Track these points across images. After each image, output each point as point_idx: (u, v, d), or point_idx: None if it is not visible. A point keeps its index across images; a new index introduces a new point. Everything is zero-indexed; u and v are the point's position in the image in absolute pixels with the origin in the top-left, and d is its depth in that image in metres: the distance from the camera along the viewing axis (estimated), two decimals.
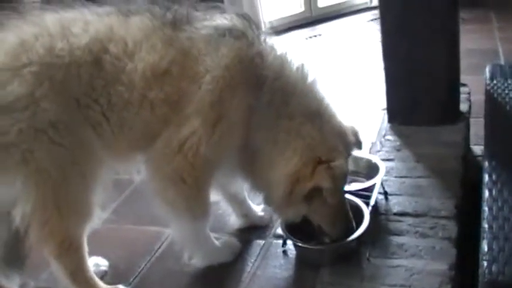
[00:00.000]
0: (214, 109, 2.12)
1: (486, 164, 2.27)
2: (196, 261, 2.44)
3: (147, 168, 2.29)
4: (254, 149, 2.21)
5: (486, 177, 2.17)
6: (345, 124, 2.32)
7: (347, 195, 2.41)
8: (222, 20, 2.22)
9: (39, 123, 2.01)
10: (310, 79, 2.24)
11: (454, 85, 3.26)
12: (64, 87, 2.05)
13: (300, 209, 2.24)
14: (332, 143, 2.18)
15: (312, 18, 6.53)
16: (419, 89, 3.19)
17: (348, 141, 2.29)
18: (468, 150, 3.20)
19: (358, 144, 2.40)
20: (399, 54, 3.17)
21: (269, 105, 2.15)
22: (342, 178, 2.20)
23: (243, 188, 2.63)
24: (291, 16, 6.51)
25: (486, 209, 1.99)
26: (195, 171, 2.19)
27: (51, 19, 2.13)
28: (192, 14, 2.23)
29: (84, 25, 2.12)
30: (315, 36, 6.12)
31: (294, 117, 2.16)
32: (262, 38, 2.22)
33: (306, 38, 6.08)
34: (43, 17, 2.15)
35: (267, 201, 2.35)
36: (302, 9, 6.55)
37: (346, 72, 4.83)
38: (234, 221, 2.72)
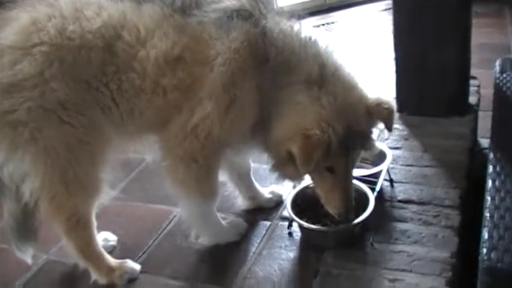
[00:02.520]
0: (226, 92, 2.15)
1: (491, 155, 2.30)
2: (203, 239, 2.52)
3: (160, 149, 2.33)
4: (263, 122, 2.22)
5: (490, 168, 2.21)
6: (369, 96, 2.23)
7: (353, 181, 2.45)
8: (230, 1, 2.22)
9: (48, 102, 2.06)
10: (317, 46, 2.22)
11: (463, 78, 3.29)
12: (74, 69, 2.08)
13: (287, 171, 2.24)
14: (325, 114, 2.08)
15: (325, 6, 6.49)
16: (429, 80, 3.22)
17: (357, 114, 2.16)
18: (475, 142, 3.23)
19: (385, 121, 2.25)
20: (410, 46, 3.20)
21: (273, 81, 2.15)
22: (318, 150, 2.05)
23: (251, 170, 2.69)
24: (305, 3, 6.47)
25: (488, 198, 2.03)
26: (207, 152, 2.24)
27: (66, 1, 2.16)
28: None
29: (97, 9, 2.15)
30: (328, 23, 6.11)
31: (292, 85, 2.14)
32: (270, 15, 2.21)
33: (319, 26, 6.06)
34: None
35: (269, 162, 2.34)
36: None
37: (358, 61, 4.84)
38: (240, 202, 2.77)
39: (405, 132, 3.18)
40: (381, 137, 3.16)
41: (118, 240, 2.65)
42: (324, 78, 2.16)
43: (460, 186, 2.66)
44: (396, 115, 3.32)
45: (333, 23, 6.11)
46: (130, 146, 2.45)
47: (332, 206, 2.27)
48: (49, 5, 2.13)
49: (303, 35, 2.22)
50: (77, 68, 2.09)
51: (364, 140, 2.25)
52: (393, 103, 2.29)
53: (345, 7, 6.47)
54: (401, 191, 2.69)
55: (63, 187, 2.18)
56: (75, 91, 2.09)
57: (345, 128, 2.11)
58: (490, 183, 2.12)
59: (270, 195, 2.77)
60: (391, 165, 2.82)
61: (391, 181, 2.73)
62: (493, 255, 1.77)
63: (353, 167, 2.32)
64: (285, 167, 2.23)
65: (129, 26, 2.14)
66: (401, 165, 2.89)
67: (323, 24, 6.09)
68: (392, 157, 2.85)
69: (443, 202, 2.56)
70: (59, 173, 2.15)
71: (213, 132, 2.18)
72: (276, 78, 2.16)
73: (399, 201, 2.62)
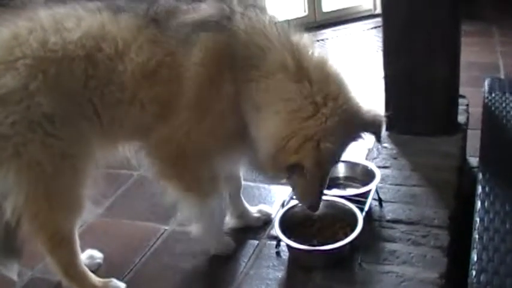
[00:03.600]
0: (200, 103, 2.16)
1: (480, 175, 2.30)
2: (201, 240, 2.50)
3: (145, 156, 2.33)
4: (246, 123, 2.19)
5: (479, 189, 2.21)
6: (363, 107, 2.20)
7: (341, 200, 2.44)
8: (200, 11, 2.22)
9: (33, 116, 2.03)
10: (291, 37, 2.16)
11: (452, 96, 3.30)
12: (58, 81, 2.06)
13: (279, 176, 2.25)
14: (326, 122, 2.05)
15: (315, 23, 6.49)
16: (418, 99, 3.23)
17: (358, 122, 2.16)
18: (464, 161, 3.24)
19: (375, 132, 2.24)
20: (399, 64, 3.20)
21: (247, 80, 2.13)
22: (329, 161, 2.12)
23: (241, 189, 2.67)
24: (295, 20, 6.47)
25: (477, 219, 2.03)
26: (194, 162, 2.24)
27: (45, 14, 2.15)
28: (175, 8, 2.24)
29: (76, 20, 2.14)
30: (318, 41, 6.13)
31: (271, 75, 2.10)
32: (239, 16, 2.17)
33: None
34: (37, 12, 2.17)
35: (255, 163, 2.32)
36: (306, 13, 6.51)
37: (348, 78, 4.85)
38: (228, 220, 2.73)
39: (394, 151, 3.18)
40: (370, 156, 3.16)
41: (104, 258, 2.61)
42: (302, 64, 2.10)
43: (449, 205, 2.66)
44: (385, 133, 3.34)
45: (323, 40, 6.13)
46: (116, 156, 2.42)
47: (305, 201, 2.30)
48: (29, 18, 2.13)
49: (275, 26, 2.16)
50: (60, 80, 2.07)
51: (348, 144, 2.24)
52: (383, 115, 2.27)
53: (335, 24, 6.49)
54: (390, 211, 2.67)
55: (46, 203, 2.14)
56: (60, 103, 2.07)
57: (342, 136, 2.13)
58: (479, 204, 2.12)
59: (258, 214, 2.74)
60: (380, 185, 2.81)
61: (379, 201, 2.72)
62: (482, 277, 1.76)
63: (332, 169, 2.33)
64: (278, 172, 2.20)
65: (109, 37, 2.14)
66: (390, 184, 2.88)
67: (317, 41, 6.10)
68: (381, 176, 2.83)
69: (432, 222, 2.55)
70: (43, 189, 2.12)
71: (196, 143, 2.19)
72: (247, 74, 2.13)
73: (388, 221, 2.61)
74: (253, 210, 2.75)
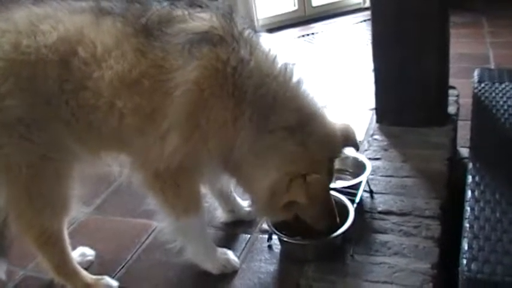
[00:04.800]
0: (190, 122, 2.03)
1: (470, 165, 2.30)
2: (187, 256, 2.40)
3: (130, 167, 2.28)
4: (237, 160, 2.14)
5: (470, 179, 2.20)
6: (337, 125, 2.24)
7: (332, 193, 2.44)
8: (200, 20, 2.06)
9: (6, 119, 1.99)
10: (293, 84, 2.11)
11: (443, 88, 3.30)
12: (31, 84, 2.01)
13: (280, 216, 2.28)
14: (313, 155, 2.11)
15: (305, 17, 6.52)
16: (408, 90, 3.23)
17: (336, 145, 2.23)
18: (455, 152, 3.24)
19: (353, 145, 2.37)
20: (389, 56, 3.20)
21: (250, 120, 2.04)
22: (319, 190, 2.15)
23: (230, 183, 2.63)
24: (284, 14, 6.50)
25: (468, 209, 2.03)
26: (172, 175, 2.16)
27: (21, 15, 2.08)
28: (169, 14, 2.09)
29: (54, 23, 2.06)
30: (308, 35, 6.13)
31: (274, 132, 2.07)
32: (244, 39, 2.05)
33: (299, 37, 6.08)
34: (12, 12, 2.10)
35: (252, 206, 2.38)
36: (295, 7, 6.53)
37: (337, 72, 4.86)
38: (220, 214, 2.74)
39: (385, 143, 3.18)
40: (361, 148, 3.15)
41: (96, 255, 2.60)
42: (303, 120, 2.11)
43: (440, 196, 2.66)
44: (376, 125, 3.35)
45: (313, 34, 6.13)
46: (98, 161, 2.35)
47: (321, 226, 2.31)
48: (3, 19, 2.07)
49: (279, 66, 2.10)
50: (34, 84, 2.01)
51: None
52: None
53: (325, 18, 6.51)
54: (381, 202, 2.67)
55: (29, 204, 2.12)
56: (34, 107, 2.02)
57: (329, 160, 2.22)
58: (469, 193, 2.12)
59: (249, 208, 2.71)
60: (371, 176, 2.81)
61: (371, 192, 2.72)
62: (473, 266, 1.75)
63: None
64: (278, 214, 2.24)
65: (86, 41, 2.04)
66: (381, 176, 2.88)
67: (303, 36, 6.11)
68: (372, 168, 2.84)
69: (423, 213, 2.56)
70: (23, 189, 2.09)
71: (186, 161, 2.11)
72: (252, 117, 2.05)
73: (379, 212, 2.61)
74: (245, 204, 2.74)
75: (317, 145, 2.12)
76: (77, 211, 2.30)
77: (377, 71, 3.28)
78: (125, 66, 2.02)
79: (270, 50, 2.12)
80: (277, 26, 6.35)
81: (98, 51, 2.04)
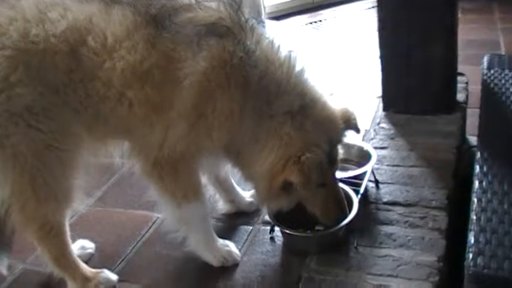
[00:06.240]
0: (196, 112, 2.06)
1: (478, 155, 2.23)
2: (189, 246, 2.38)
3: (130, 153, 2.27)
4: (238, 147, 2.17)
5: (477, 168, 2.14)
6: (337, 109, 2.24)
7: None
8: (208, 10, 2.09)
9: (14, 107, 1.97)
10: (296, 72, 2.14)
11: (450, 75, 3.22)
12: (40, 73, 1.99)
13: (281, 201, 2.22)
14: (311, 137, 2.10)
15: (314, 4, 6.46)
16: (415, 78, 3.15)
17: (337, 128, 2.21)
18: (463, 140, 3.16)
19: (353, 128, 2.32)
20: (396, 43, 3.13)
21: (253, 109, 2.09)
22: (315, 170, 2.08)
23: (231, 174, 2.60)
24: (292, 1, 6.44)
25: (475, 200, 1.97)
26: (174, 162, 2.16)
27: (29, 2, 2.05)
28: (177, 4, 2.10)
29: (62, 11, 2.04)
30: (316, 22, 6.06)
31: (275, 117, 2.10)
32: (250, 28, 2.10)
33: (307, 24, 6.02)
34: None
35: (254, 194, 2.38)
36: None
37: (345, 59, 4.79)
38: (221, 206, 2.69)
39: (391, 131, 3.11)
40: (367, 137, 3.09)
41: (96, 248, 2.56)
42: (305, 105, 2.12)
43: (447, 186, 2.59)
44: (382, 113, 3.28)
45: (320, 21, 6.06)
46: (103, 149, 2.34)
47: (330, 218, 2.26)
48: (11, 7, 2.04)
49: (283, 55, 2.14)
50: (43, 73, 1.99)
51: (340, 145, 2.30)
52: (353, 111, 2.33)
53: (332, 5, 6.42)
54: (387, 193, 2.61)
55: (33, 195, 2.09)
56: (43, 95, 2.00)
57: (329, 143, 2.16)
58: (476, 184, 2.06)
59: (251, 199, 2.68)
60: (376, 166, 2.76)
61: (376, 182, 2.66)
62: (479, 260, 1.69)
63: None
64: (279, 198, 2.19)
65: (96, 31, 2.03)
66: (387, 165, 2.82)
67: (311, 23, 6.05)
68: (378, 157, 2.79)
69: (430, 203, 2.49)
70: (28, 180, 2.06)
71: (182, 151, 2.12)
72: (255, 106, 2.09)
73: (385, 203, 2.55)
74: (246, 195, 2.69)
75: (315, 127, 2.11)
76: (79, 203, 2.26)
77: (383, 58, 3.21)
78: (136, 57, 2.03)
79: (274, 39, 2.16)
80: (284, 13, 6.30)
81: (109, 41, 2.04)
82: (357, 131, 2.36)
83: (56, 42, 2.00)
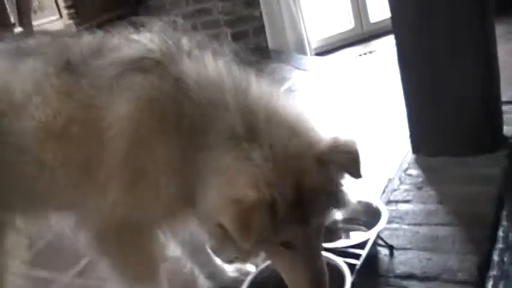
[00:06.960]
0: (130, 167, 1.68)
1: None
2: None
3: (74, 226, 1.90)
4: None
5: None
6: (325, 140, 1.62)
7: (326, 254, 1.86)
8: (136, 45, 1.76)
9: None
10: (243, 87, 1.67)
11: (492, 105, 2.63)
12: None
13: (230, 250, 1.70)
14: (262, 173, 1.54)
15: (363, 35, 6.07)
16: (447, 112, 2.59)
17: (313, 167, 1.60)
18: (509, 185, 2.54)
19: (346, 169, 1.67)
20: (418, 72, 2.60)
21: (191, 143, 1.65)
22: (257, 216, 1.50)
23: (203, 241, 2.15)
24: (341, 33, 6.08)
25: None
26: (118, 234, 1.79)
27: None
28: (100, 44, 1.79)
29: None
30: (366, 54, 5.62)
31: (214, 147, 1.62)
32: (188, 56, 1.72)
33: (358, 56, 5.61)
34: None
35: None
36: (352, 25, 6.12)
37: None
38: (202, 282, 2.23)
39: (420, 179, 2.55)
40: (390, 188, 2.54)
41: None
42: (255, 128, 1.60)
43: (481, 251, 2.01)
44: (411, 157, 2.72)
45: (371, 52, 5.72)
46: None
47: None
48: None
49: (232, 79, 1.68)
50: None
51: (328, 198, 1.65)
52: (355, 142, 1.63)
53: (383, 35, 5.94)
54: (402, 262, 2.05)
55: None
56: None
57: (295, 187, 1.55)
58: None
59: (235, 274, 2.21)
60: (395, 226, 2.23)
61: (390, 248, 2.11)
62: None
63: (319, 237, 1.71)
64: (224, 245, 1.66)
65: (2, 89, 1.76)
66: (408, 224, 2.26)
67: (365, 54, 5.66)
68: (399, 214, 2.29)
69: (455, 276, 1.92)
70: None
71: (126, 216, 1.74)
72: (192, 140, 1.65)
73: (397, 276, 1.99)
74: (229, 268, 2.23)
75: (269, 161, 1.56)
76: None
77: (406, 91, 2.68)
78: (48, 112, 1.72)
79: (227, 63, 1.72)
80: (334, 46, 6.00)
81: (17, 99, 1.75)
82: (353, 173, 1.67)
83: None
